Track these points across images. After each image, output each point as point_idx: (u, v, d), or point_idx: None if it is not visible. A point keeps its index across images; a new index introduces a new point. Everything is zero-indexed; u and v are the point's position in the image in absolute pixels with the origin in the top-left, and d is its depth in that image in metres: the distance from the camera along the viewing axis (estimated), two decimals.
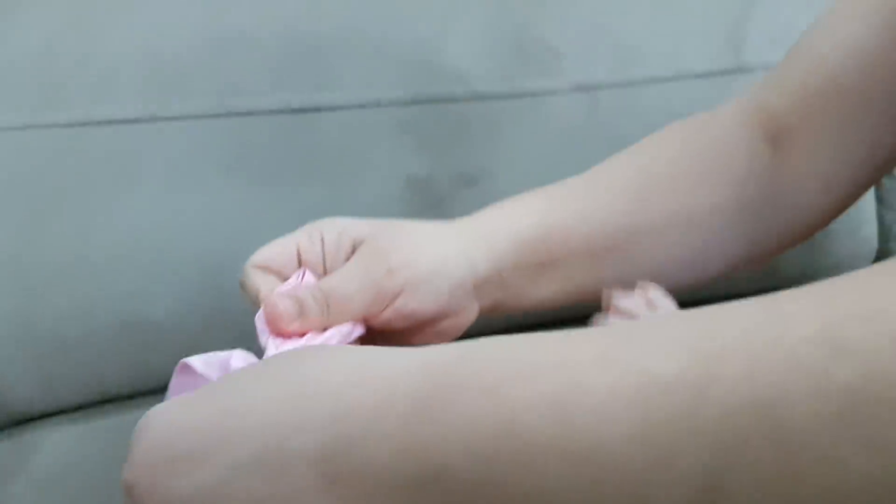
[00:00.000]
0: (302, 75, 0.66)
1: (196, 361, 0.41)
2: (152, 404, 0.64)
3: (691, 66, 0.73)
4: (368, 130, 0.68)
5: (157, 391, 0.67)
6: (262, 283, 0.47)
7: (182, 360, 0.41)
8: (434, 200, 0.70)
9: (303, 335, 0.45)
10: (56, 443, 0.64)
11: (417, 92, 0.69)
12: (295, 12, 0.67)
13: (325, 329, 0.46)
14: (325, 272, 0.48)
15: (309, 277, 0.47)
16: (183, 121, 0.64)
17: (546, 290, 0.53)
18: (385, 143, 0.69)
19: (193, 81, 0.64)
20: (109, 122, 0.63)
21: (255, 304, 0.47)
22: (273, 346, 0.44)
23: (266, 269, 0.48)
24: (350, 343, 0.46)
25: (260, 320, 0.45)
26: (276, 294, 0.46)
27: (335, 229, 0.49)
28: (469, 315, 0.51)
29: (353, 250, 0.48)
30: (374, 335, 0.49)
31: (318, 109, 0.67)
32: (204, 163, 0.65)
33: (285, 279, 0.48)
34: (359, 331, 0.46)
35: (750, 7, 0.74)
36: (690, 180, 0.56)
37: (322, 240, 0.48)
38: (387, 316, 0.47)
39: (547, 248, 0.52)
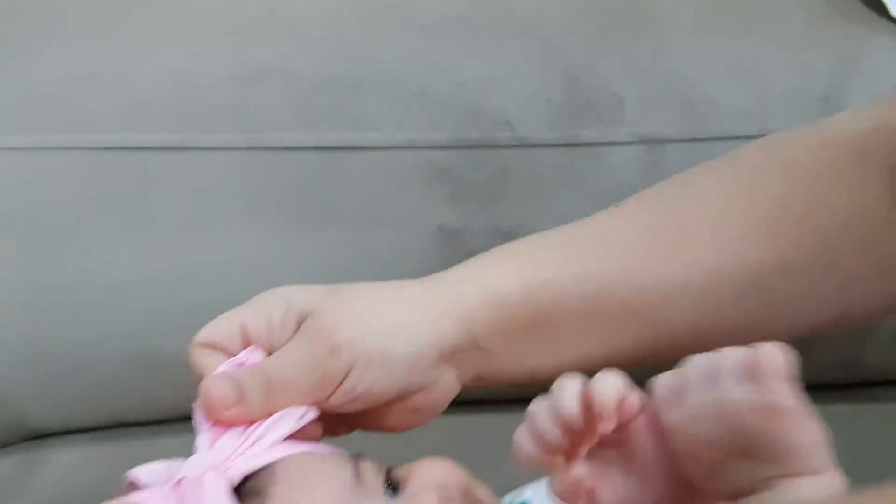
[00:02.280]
0: (334, 112, 0.64)
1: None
2: (159, 434, 0.66)
3: (777, 125, 0.64)
4: (400, 174, 0.64)
5: (166, 422, 0.67)
6: (206, 364, 0.42)
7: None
8: (465, 254, 0.63)
9: (249, 424, 0.40)
10: (63, 462, 0.64)
11: (456, 136, 0.64)
12: (331, 48, 0.64)
13: (269, 415, 0.40)
14: (272, 351, 0.43)
15: (256, 357, 0.42)
16: (210, 152, 0.63)
17: (541, 361, 0.45)
18: (417, 188, 0.65)
19: (223, 113, 0.63)
20: (137, 149, 0.63)
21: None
22: (207, 439, 0.39)
23: (213, 347, 0.43)
24: (303, 426, 0.41)
25: (198, 410, 0.40)
26: (213, 376, 0.41)
27: (283, 302, 0.43)
28: (445, 389, 0.45)
29: (299, 325, 0.43)
30: (336, 419, 0.44)
31: (348, 148, 0.64)
32: (227, 198, 0.64)
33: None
34: (311, 414, 0.41)
35: (851, 63, 0.64)
36: (750, 228, 0.45)
37: (269, 314, 0.43)
38: (337, 400, 0.41)
39: (533, 310, 0.44)
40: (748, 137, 0.65)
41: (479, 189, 0.65)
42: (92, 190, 0.62)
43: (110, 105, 0.62)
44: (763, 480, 0.33)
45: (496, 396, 0.57)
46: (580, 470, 0.35)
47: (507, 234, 0.65)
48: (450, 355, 0.44)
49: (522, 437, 0.36)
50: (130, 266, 0.62)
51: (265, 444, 0.38)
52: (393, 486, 0.38)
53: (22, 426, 0.65)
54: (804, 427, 0.32)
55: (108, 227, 0.62)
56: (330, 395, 0.41)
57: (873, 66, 0.65)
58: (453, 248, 0.65)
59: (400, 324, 0.43)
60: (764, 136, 0.64)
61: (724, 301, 0.45)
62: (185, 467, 0.37)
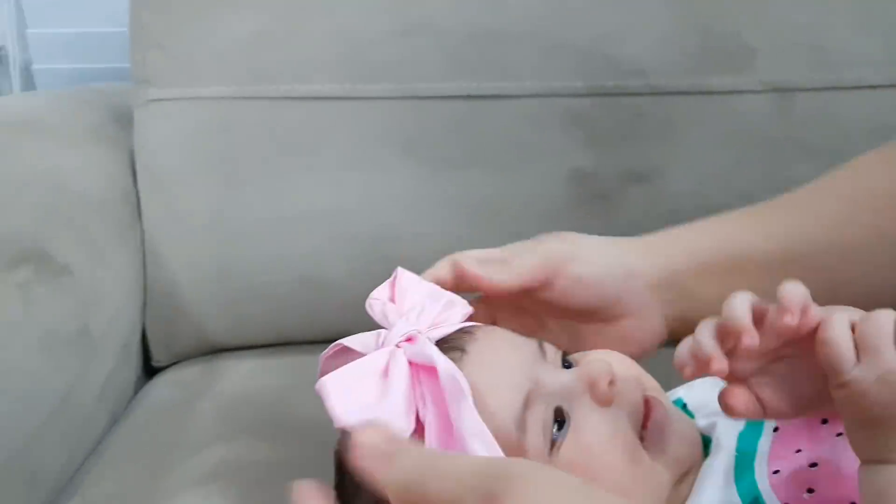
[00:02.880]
0: (480, 64, 0.70)
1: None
2: (321, 351, 0.74)
3: None
4: (540, 120, 0.70)
5: (328, 340, 0.75)
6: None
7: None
8: (598, 195, 0.69)
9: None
10: (240, 372, 0.73)
11: (592, 84, 0.69)
12: (477, 3, 0.70)
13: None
14: None
15: None
16: (370, 101, 0.70)
17: None
18: (555, 133, 0.70)
19: (382, 66, 0.70)
20: (308, 98, 0.71)
21: None
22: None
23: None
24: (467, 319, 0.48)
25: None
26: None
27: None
28: (652, 322, 0.51)
29: None
30: (553, 328, 0.51)
31: (493, 97, 0.70)
32: (384, 141, 0.71)
33: None
34: (469, 310, 0.48)
35: None
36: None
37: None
38: (562, 282, 0.49)
39: (726, 259, 0.51)
40: (879, 87, 0.68)
41: (613, 134, 0.70)
42: (270, 134, 0.70)
43: (285, 60, 0.70)
44: None
45: None
46: (736, 390, 0.39)
47: (638, 177, 0.70)
48: (655, 285, 0.51)
49: (681, 349, 0.41)
50: (301, 201, 0.70)
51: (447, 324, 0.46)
52: (568, 365, 0.45)
53: (203, 341, 0.75)
54: None
55: (283, 166, 0.70)
56: (554, 278, 0.49)
57: None
58: (587, 190, 0.70)
59: (609, 247, 0.52)
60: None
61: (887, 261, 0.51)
62: (391, 334, 0.44)
